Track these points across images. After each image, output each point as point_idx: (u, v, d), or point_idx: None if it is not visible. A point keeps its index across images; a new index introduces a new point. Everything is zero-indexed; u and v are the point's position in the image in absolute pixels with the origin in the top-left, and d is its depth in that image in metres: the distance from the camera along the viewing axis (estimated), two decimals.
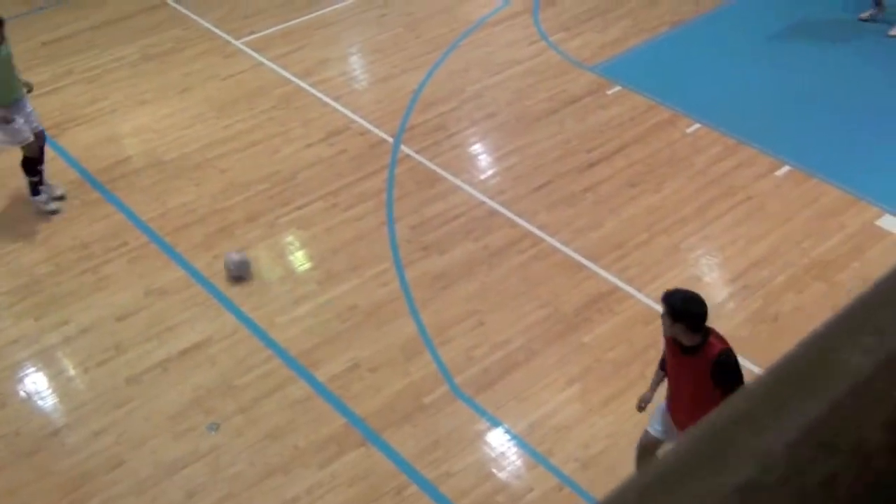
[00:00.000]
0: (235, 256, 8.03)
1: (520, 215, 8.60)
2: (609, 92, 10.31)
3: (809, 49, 11.04)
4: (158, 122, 10.16)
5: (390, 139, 9.72)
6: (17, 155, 8.78)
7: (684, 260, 8.05)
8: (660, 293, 5.27)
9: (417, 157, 9.44)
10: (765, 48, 11.09)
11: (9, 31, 8.40)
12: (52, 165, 9.45)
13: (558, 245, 8.23)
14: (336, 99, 10.38)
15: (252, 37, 11.55)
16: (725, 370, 5.01)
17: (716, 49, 11.09)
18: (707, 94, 10.25)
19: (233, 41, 11.48)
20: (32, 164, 8.75)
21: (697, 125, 9.74)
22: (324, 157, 9.47)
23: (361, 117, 10.07)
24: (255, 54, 11.21)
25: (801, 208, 8.55)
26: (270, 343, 7.42)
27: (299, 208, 8.82)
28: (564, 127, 9.80)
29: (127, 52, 11.40)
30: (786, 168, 9.04)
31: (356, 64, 11.31)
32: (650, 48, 11.13)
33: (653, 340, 6.90)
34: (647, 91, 10.27)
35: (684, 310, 4.99)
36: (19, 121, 8.42)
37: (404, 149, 9.56)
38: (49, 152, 9.61)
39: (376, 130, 9.86)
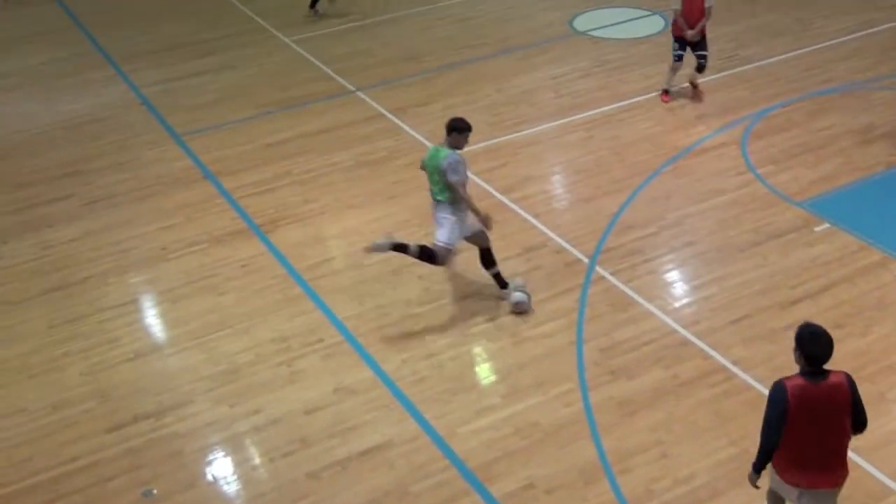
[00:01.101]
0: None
1: (714, 347, 8.32)
2: (817, 229, 9.94)
3: None
4: (365, 225, 10.54)
5: (586, 259, 9.68)
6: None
7: (889, 411, 7.54)
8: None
9: (612, 279, 9.35)
10: None
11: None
12: (262, 260, 9.94)
13: (753, 382, 7.88)
14: (535, 216, 10.48)
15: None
16: None
17: None
18: None
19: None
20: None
21: None
22: (519, 273, 9.51)
23: (559, 235, 10.10)
24: None
25: None
26: (449, 453, 7.40)
27: (490, 320, 8.86)
28: (768, 261, 9.49)
29: (341, 158, 11.96)
30: None
31: (558, 183, 11.41)
32: (863, 187, 10.71)
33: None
34: (857, 231, 9.84)
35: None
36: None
37: (599, 270, 9.49)
38: (260, 247, 10.13)
39: (572, 249, 9.85)
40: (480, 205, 9.04)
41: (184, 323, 9.17)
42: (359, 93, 13.58)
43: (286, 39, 15.51)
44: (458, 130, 8.58)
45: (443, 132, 8.58)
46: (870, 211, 10.26)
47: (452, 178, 8.45)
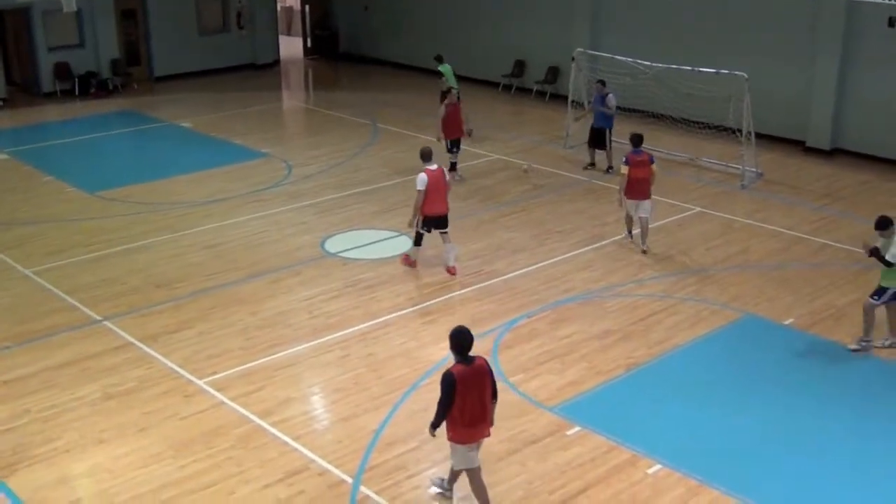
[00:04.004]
0: None
1: None
2: (569, 433, 10.38)
3: (764, 388, 11.35)
4: (115, 461, 9.98)
5: (350, 479, 9.57)
6: None
7: None
8: None
9: (377, 497, 9.27)
10: (719, 389, 11.38)
11: None
12: None
13: None
14: (296, 438, 10.33)
15: (215, 377, 11.65)
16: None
17: (671, 390, 11.35)
18: (666, 435, 10.36)
19: (195, 380, 11.57)
20: None
21: (658, 466, 9.75)
22: (282, 498, 9.26)
23: (321, 457, 9.97)
24: (217, 394, 11.26)
25: None
26: None
27: None
28: (526, 467, 9.75)
29: (87, 391, 11.40)
30: None
31: (317, 403, 11.37)
32: (606, 389, 11.36)
33: None
34: (606, 432, 10.36)
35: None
36: None
37: (363, 490, 9.40)
38: None
39: (336, 470, 9.73)
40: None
41: None
42: (105, 322, 13.15)
43: (25, 271, 14.91)
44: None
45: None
46: (615, 412, 10.87)
47: None
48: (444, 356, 12.04)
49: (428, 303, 13.56)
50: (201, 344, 12.53)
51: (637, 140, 15.62)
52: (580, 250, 15.67)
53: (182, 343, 12.56)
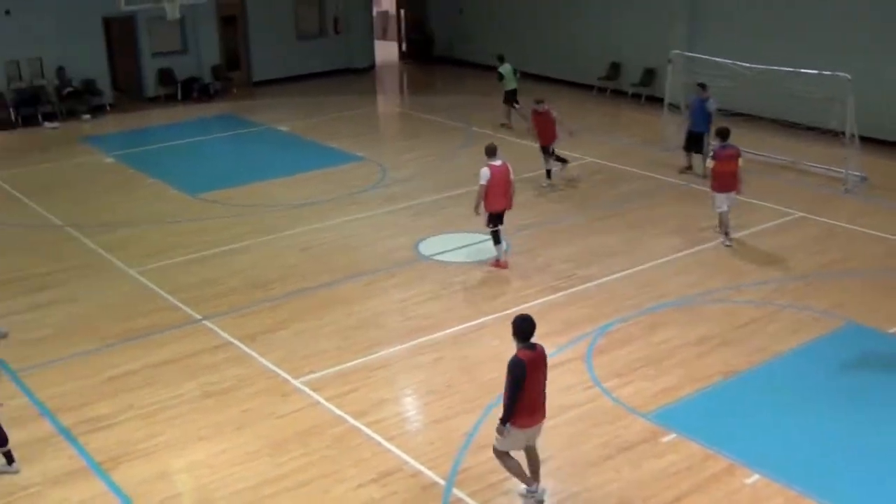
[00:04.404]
0: None
1: None
2: (664, 440, 10.24)
3: (868, 399, 11.01)
4: (213, 458, 10.20)
5: (442, 482, 9.60)
6: None
7: None
8: None
9: (469, 500, 9.27)
10: (820, 398, 11.08)
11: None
12: (103, 500, 9.42)
13: None
14: (389, 440, 10.40)
15: (311, 376, 11.81)
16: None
17: (770, 399, 11.09)
18: (765, 444, 10.12)
19: (291, 380, 11.74)
20: None
21: (757, 476, 9.53)
22: (375, 499, 9.34)
23: (414, 458, 10.02)
24: (312, 394, 11.41)
25: None
26: None
27: None
28: (620, 474, 9.65)
29: (187, 389, 11.67)
30: None
31: (410, 405, 11.43)
32: (703, 397, 11.16)
33: None
34: (702, 440, 10.17)
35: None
36: None
37: (456, 492, 9.42)
38: (101, 486, 9.63)
39: (428, 472, 9.77)
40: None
41: None
42: (205, 321, 13.45)
43: (130, 271, 15.35)
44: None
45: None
46: (712, 420, 10.67)
47: None
48: None
49: (521, 306, 13.50)
50: (297, 344, 12.71)
51: (725, 133, 15.68)
52: (676, 255, 15.45)
53: (279, 343, 12.77)
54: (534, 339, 8.84)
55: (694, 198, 18.13)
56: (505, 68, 23.37)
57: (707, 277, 14.54)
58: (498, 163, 14.68)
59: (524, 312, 8.98)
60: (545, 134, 18.94)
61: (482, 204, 14.73)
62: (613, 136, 23.12)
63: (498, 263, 15.14)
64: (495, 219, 14.91)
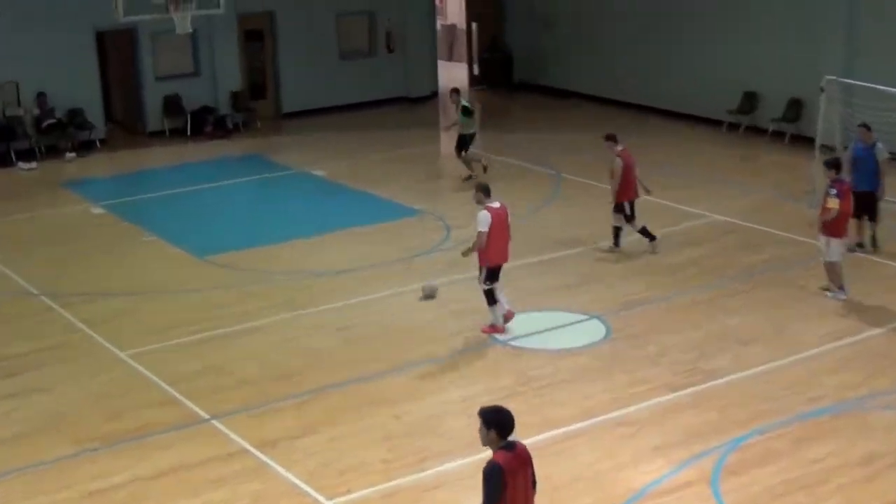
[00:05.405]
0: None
1: None
2: None
3: None
4: None
5: None
6: None
7: None
8: None
9: None
10: None
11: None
12: None
13: None
14: None
15: (348, 496, 11.67)
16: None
17: None
18: None
19: (323, 501, 11.61)
20: None
21: None
22: None
23: None
24: None
25: None
26: None
27: None
28: None
29: None
30: None
31: None
32: None
33: None
34: None
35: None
36: None
37: None
38: None
39: None
40: None
41: None
42: (213, 421, 13.43)
43: (120, 354, 15.45)
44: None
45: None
46: None
47: None
48: (647, 481, 11.74)
49: (627, 409, 13.29)
50: (331, 454, 12.62)
51: (839, 165, 16.56)
52: (833, 344, 15.16)
53: (307, 452, 12.69)
54: (513, 438, 8.74)
55: (861, 272, 17.67)
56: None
57: (874, 375, 14.23)
58: (496, 205, 15.19)
59: (497, 404, 8.96)
60: (631, 183, 18.68)
61: (479, 255, 15.21)
62: (748, 185, 22.96)
63: (494, 328, 15.53)
64: (494, 274, 15.27)
